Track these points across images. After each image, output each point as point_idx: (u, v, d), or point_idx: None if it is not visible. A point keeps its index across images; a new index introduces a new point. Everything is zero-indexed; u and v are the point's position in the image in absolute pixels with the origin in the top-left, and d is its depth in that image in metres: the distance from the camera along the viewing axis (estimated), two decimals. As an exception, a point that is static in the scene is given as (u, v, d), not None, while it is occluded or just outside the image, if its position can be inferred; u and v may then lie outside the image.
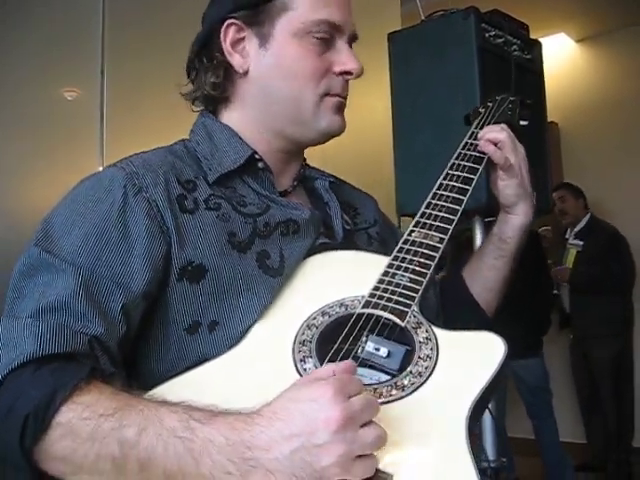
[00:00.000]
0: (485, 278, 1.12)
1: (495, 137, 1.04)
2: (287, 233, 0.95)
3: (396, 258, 0.91)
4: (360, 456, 0.63)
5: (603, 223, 4.14)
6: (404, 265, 0.89)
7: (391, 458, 0.66)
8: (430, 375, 0.76)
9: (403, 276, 0.87)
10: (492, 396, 0.79)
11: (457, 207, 0.96)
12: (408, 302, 0.84)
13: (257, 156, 0.98)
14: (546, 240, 4.07)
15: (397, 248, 0.92)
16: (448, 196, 0.98)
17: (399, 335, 0.81)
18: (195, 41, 1.03)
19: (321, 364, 0.78)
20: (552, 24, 4.41)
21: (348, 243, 1.02)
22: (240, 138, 0.99)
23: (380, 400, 0.72)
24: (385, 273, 0.89)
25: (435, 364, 0.78)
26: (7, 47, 2.38)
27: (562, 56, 4.82)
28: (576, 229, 4.14)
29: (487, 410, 1.68)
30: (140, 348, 0.86)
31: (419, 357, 0.79)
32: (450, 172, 1.01)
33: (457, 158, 1.04)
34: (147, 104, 2.59)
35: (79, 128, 2.53)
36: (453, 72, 1.77)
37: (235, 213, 0.93)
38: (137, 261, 0.83)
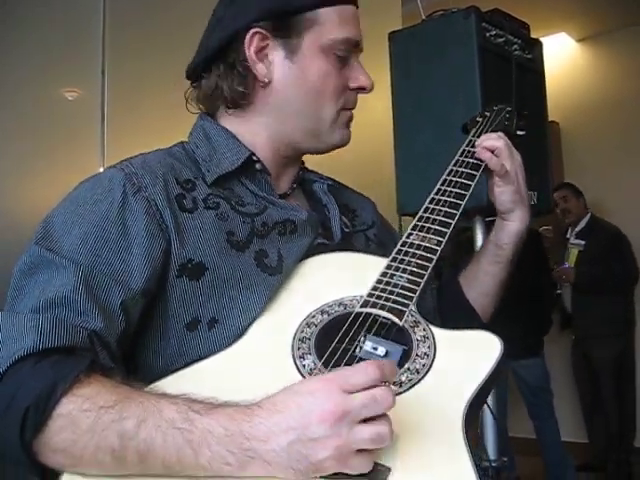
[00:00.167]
0: (481, 283, 1.13)
1: (492, 145, 1.06)
2: (285, 233, 0.96)
3: (394, 259, 0.92)
4: (360, 450, 0.64)
5: (604, 223, 4.14)
6: (402, 266, 0.90)
7: (389, 452, 0.67)
8: (427, 372, 0.78)
9: (401, 277, 0.89)
10: (489, 393, 0.80)
11: (455, 211, 0.98)
12: (406, 301, 0.85)
13: (255, 157, 0.99)
14: (547, 240, 4.06)
15: (395, 250, 0.94)
16: (446, 201, 0.99)
17: (397, 335, 0.82)
18: (208, 44, 1.00)
19: (320, 361, 0.79)
20: (553, 24, 4.42)
21: (346, 245, 1.03)
22: (238, 140, 1.00)
23: None
24: (383, 274, 0.90)
25: (432, 361, 0.79)
26: (7, 47, 2.39)
27: (563, 56, 4.82)
28: (577, 229, 4.14)
29: (488, 410, 1.69)
30: (139, 343, 0.87)
31: (417, 354, 0.80)
32: (448, 178, 1.03)
33: (455, 165, 1.05)
34: (147, 104, 2.59)
35: (79, 128, 2.54)
36: (454, 72, 1.76)
37: (233, 212, 0.93)
38: (136, 259, 0.84)
